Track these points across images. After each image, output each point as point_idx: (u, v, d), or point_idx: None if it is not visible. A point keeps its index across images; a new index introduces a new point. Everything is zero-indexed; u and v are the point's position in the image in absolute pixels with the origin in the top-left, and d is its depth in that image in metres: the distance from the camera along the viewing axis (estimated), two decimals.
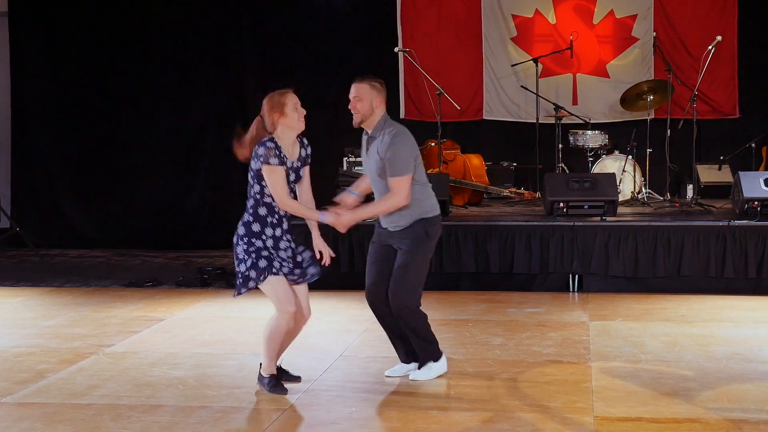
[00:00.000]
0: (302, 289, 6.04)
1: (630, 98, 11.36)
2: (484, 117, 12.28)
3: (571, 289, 9.26)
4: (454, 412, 5.62)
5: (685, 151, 11.08)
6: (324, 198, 11.23)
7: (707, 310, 8.33)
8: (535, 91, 11.67)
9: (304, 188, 6.01)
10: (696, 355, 6.76)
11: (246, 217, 5.94)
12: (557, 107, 11.50)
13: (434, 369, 6.29)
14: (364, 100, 6.04)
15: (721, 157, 11.37)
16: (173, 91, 12.70)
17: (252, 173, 5.91)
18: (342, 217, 5.95)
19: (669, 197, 10.87)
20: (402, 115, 12.32)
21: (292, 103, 5.96)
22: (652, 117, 11.28)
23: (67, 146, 12.89)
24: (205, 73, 12.68)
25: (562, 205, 9.54)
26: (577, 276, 9.27)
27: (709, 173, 11.40)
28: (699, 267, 9.03)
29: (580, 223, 9.28)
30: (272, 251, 5.88)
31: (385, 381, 6.29)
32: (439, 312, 8.18)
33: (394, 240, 6.12)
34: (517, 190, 11.49)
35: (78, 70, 12.79)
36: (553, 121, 11.54)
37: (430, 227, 6.10)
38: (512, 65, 12.13)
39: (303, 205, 5.93)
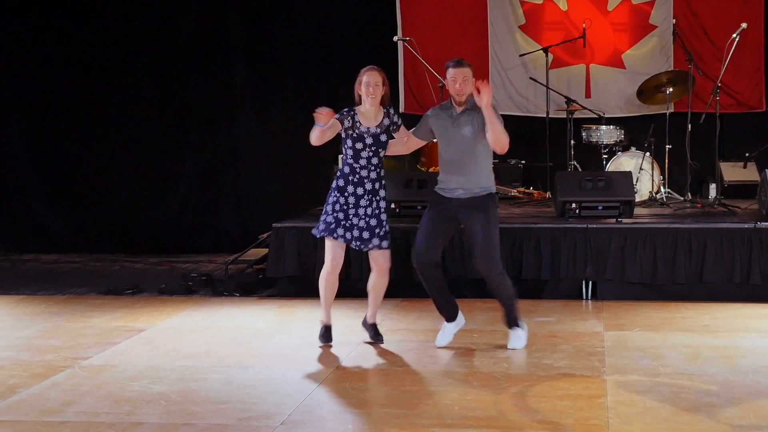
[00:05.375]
0: (374, 253, 7.42)
1: (648, 91, 11.36)
2: None
3: (584, 297, 9.26)
4: (459, 429, 5.61)
5: (707, 147, 11.08)
6: (318, 198, 11.29)
7: (732, 319, 8.32)
8: (544, 83, 11.67)
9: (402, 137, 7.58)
10: (720, 368, 6.75)
11: (338, 173, 7.40)
12: (569, 100, 11.51)
13: (523, 337, 7.38)
14: (470, 83, 7.16)
15: (747, 154, 11.37)
16: (154, 87, 12.70)
17: None
18: (486, 94, 6.96)
19: (690, 197, 10.88)
20: (402, 109, 12.31)
21: (363, 80, 7.28)
22: (672, 111, 11.29)
23: (41, 144, 12.88)
24: (188, 66, 12.66)
25: (574, 206, 9.54)
26: (590, 282, 9.26)
27: (733, 171, 11.40)
28: (723, 273, 9.03)
29: (594, 226, 9.27)
30: (350, 208, 7.26)
31: (383, 396, 6.29)
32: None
33: (464, 210, 7.18)
34: (526, 190, 11.49)
35: (54, 66, 12.74)
36: (565, 116, 11.55)
37: (496, 199, 7.34)
38: (520, 55, 12.14)
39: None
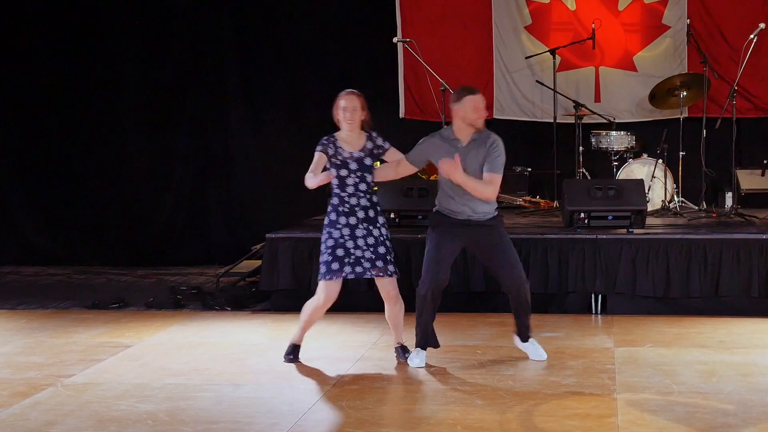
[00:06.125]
0: (383, 281, 7.36)
1: (660, 94, 11.36)
2: (495, 116, 12.26)
3: (593, 311, 9.25)
4: None
5: (723, 154, 11.08)
6: (313, 208, 11.29)
7: (749, 334, 8.32)
8: (552, 87, 11.67)
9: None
10: (737, 387, 6.74)
11: (328, 207, 7.40)
12: (577, 105, 11.50)
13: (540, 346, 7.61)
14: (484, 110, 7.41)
15: (765, 161, 11.37)
16: (142, 92, 12.68)
17: None
18: (456, 168, 7.12)
19: (705, 206, 10.87)
20: (402, 114, 12.33)
21: (341, 104, 7.34)
22: (686, 116, 11.27)
23: (21, 150, 12.87)
24: (178, 70, 12.66)
25: (583, 215, 9.53)
26: (600, 296, 9.26)
27: (750, 179, 11.40)
28: (740, 286, 9.02)
29: (604, 236, 9.27)
30: (348, 240, 7.24)
31: (382, 415, 6.27)
32: (444, 336, 8.15)
33: (474, 231, 7.32)
34: (532, 199, 11.49)
35: (37, 71, 12.73)
36: (573, 121, 11.54)
37: (503, 220, 7.61)
38: (526, 57, 12.14)
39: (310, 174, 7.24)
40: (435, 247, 7.33)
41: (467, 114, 7.29)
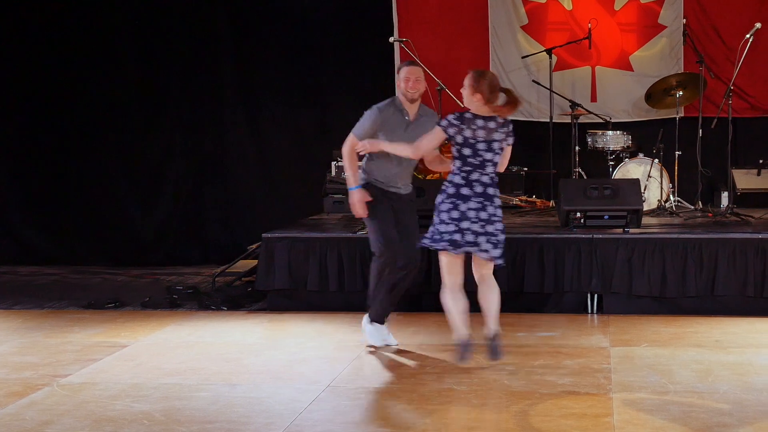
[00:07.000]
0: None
1: (656, 94, 11.37)
2: None
3: (589, 311, 9.25)
4: None
5: (719, 153, 11.10)
6: (310, 207, 11.27)
7: (745, 334, 8.32)
8: (548, 87, 11.67)
9: None
10: (732, 386, 6.75)
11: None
12: (574, 104, 11.51)
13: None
14: (422, 83, 7.69)
15: (761, 161, 11.37)
16: (137, 87, 12.68)
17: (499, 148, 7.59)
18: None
19: (701, 206, 10.88)
20: None
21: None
22: (682, 115, 11.30)
23: (16, 149, 12.86)
24: (173, 68, 12.65)
25: (579, 215, 9.54)
26: (596, 296, 9.26)
27: (746, 179, 11.40)
28: (735, 286, 9.03)
29: (600, 236, 9.27)
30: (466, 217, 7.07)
31: (377, 416, 6.28)
32: (438, 336, 8.17)
33: (401, 203, 7.76)
34: (528, 199, 11.49)
35: (33, 69, 12.73)
36: (569, 120, 11.55)
37: None
38: (523, 57, 12.14)
39: None
40: (389, 219, 7.68)
41: (399, 84, 7.66)
